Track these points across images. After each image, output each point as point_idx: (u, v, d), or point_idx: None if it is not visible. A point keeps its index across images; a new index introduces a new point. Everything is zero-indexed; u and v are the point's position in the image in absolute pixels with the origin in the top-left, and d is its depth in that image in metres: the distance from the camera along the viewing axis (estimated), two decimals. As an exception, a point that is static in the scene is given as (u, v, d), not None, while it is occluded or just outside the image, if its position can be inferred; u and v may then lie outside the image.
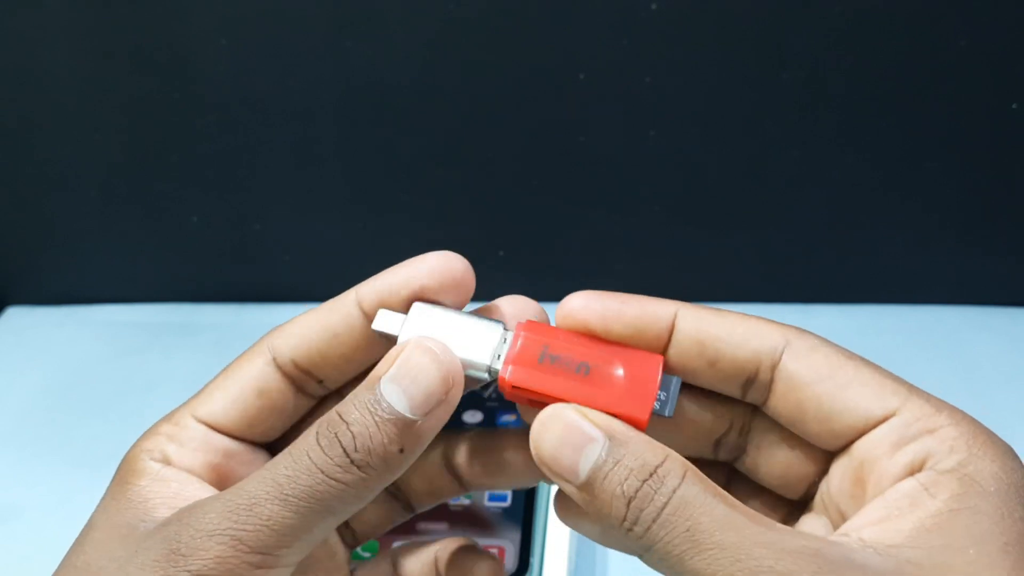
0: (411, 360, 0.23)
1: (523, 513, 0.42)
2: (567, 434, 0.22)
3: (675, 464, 0.21)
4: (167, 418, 0.26)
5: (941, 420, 0.22)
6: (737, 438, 0.26)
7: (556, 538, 0.41)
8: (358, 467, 0.22)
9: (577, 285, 0.61)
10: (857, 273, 0.63)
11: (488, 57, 0.55)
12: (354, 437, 0.22)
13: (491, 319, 0.25)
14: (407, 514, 0.29)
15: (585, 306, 0.24)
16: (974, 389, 0.57)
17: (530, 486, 0.40)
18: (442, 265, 0.25)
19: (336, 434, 0.22)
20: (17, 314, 0.67)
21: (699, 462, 0.23)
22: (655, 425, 0.24)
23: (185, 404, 0.26)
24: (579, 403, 0.23)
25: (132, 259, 0.66)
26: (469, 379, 0.24)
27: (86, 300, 0.67)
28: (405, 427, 0.22)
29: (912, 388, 0.23)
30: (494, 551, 0.40)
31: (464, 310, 0.25)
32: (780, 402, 0.24)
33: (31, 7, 0.54)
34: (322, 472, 0.22)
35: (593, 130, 0.57)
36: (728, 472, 0.27)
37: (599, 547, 0.46)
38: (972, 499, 0.21)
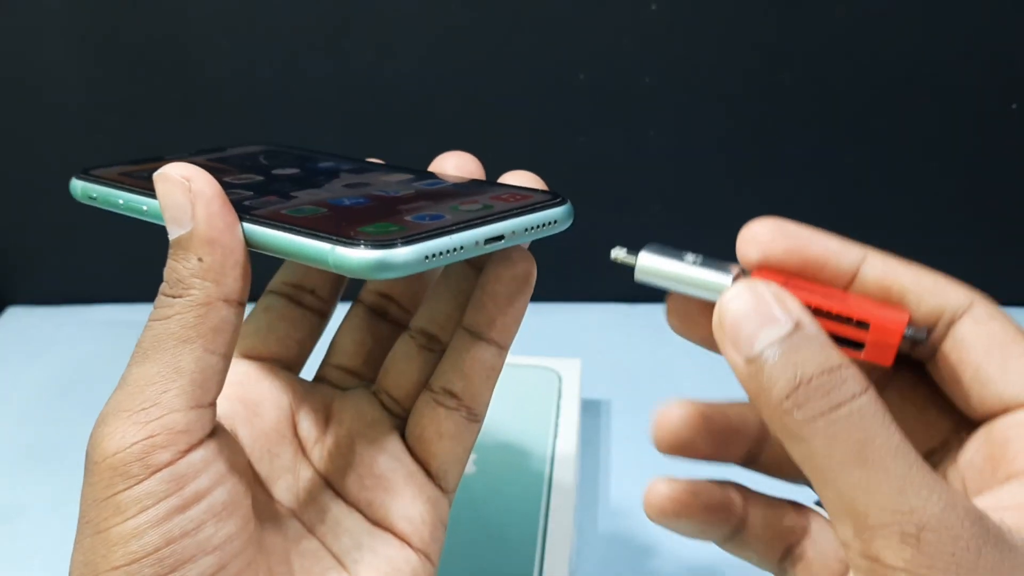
0: (165, 199, 0.25)
1: None
2: (757, 306, 0.21)
3: (856, 373, 0.21)
4: None
5: None
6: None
7: (556, 541, 0.41)
8: (173, 297, 0.26)
9: (577, 284, 0.61)
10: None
11: (488, 57, 0.55)
12: (165, 282, 0.26)
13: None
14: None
15: (771, 234, 0.24)
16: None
17: None
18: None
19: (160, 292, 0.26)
20: (18, 314, 0.67)
21: None
22: None
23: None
24: (835, 309, 0.23)
25: (133, 259, 0.66)
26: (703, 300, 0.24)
27: (87, 300, 0.67)
28: (186, 241, 0.25)
29: None
30: None
31: None
32: (942, 360, 0.24)
33: (32, 7, 0.54)
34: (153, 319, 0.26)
35: (593, 130, 0.57)
36: None
37: (599, 549, 0.46)
38: None
